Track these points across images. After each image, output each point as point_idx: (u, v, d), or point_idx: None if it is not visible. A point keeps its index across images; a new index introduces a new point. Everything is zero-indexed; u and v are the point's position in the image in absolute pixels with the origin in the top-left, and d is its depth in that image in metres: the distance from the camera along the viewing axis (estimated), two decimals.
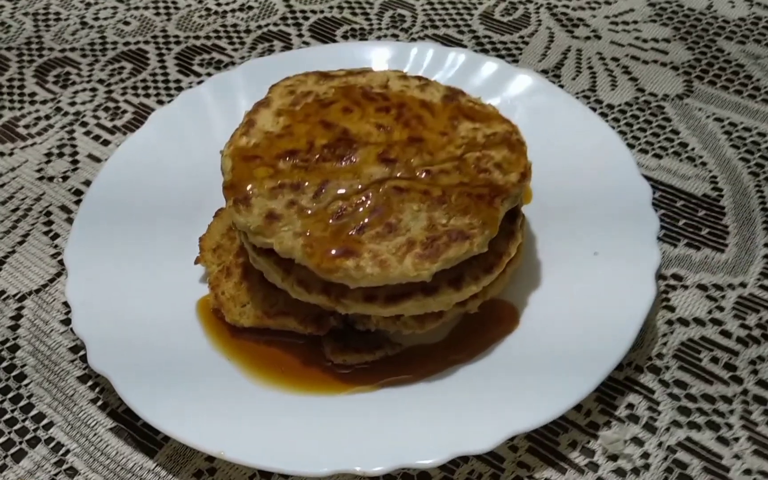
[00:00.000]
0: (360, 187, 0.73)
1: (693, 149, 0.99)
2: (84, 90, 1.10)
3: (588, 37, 1.17)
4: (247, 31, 1.21)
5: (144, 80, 1.12)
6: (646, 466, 0.70)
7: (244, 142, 0.79)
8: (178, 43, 1.18)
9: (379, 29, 1.21)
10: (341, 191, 0.73)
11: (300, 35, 1.20)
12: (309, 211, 0.72)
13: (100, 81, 1.12)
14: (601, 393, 0.75)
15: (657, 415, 0.74)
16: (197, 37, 1.19)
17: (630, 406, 0.75)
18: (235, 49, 1.17)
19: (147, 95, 1.10)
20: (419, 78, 0.87)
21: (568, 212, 0.87)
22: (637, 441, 0.72)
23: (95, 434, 0.74)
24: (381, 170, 0.74)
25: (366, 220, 0.71)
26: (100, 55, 1.16)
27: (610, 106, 1.06)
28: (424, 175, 0.75)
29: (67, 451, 0.73)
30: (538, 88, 1.00)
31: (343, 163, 0.75)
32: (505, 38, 1.18)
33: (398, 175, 0.74)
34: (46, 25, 1.22)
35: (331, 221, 0.71)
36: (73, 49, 1.18)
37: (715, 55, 1.13)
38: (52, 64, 1.15)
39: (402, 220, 0.71)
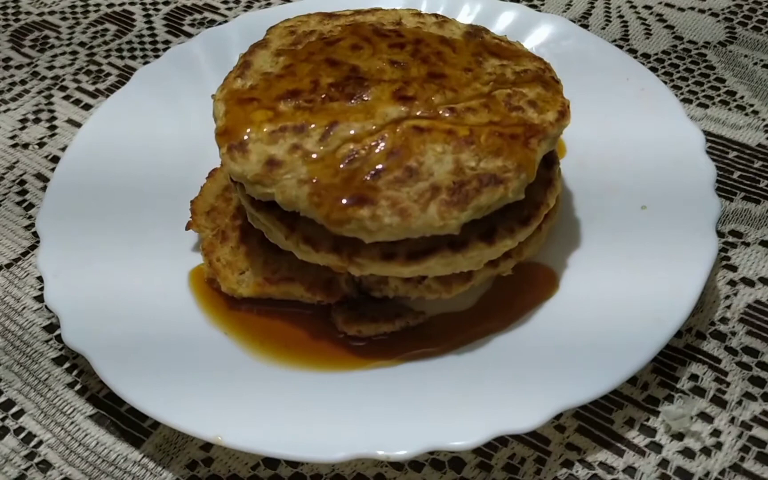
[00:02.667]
0: (374, 127, 0.63)
1: (742, 97, 0.89)
2: (63, 53, 1.00)
3: None
4: None
5: (130, 42, 1.02)
6: (718, 446, 0.60)
7: (239, 84, 0.68)
8: (167, 3, 1.08)
9: None
10: (352, 132, 0.62)
11: None
12: (315, 156, 0.61)
13: (82, 44, 1.02)
14: (659, 363, 0.65)
15: (726, 386, 0.63)
16: None
17: (694, 377, 0.64)
18: (230, 8, 1.07)
19: (133, 57, 0.99)
20: (436, 15, 0.77)
21: (609, 165, 0.77)
22: (706, 417, 0.62)
23: (72, 423, 0.64)
24: (397, 109, 0.64)
25: (382, 165, 0.61)
26: (81, 17, 1.06)
27: (646, 56, 0.96)
28: (447, 114, 0.64)
29: (40, 443, 0.63)
30: (566, 33, 0.90)
31: (354, 102, 0.65)
32: None
33: (418, 113, 0.64)
34: None
35: (341, 166, 0.61)
36: (52, 13, 1.07)
37: (758, 0, 1.03)
38: (29, 28, 1.05)
39: (424, 163, 0.61)
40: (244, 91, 0.67)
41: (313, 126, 0.63)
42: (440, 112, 0.64)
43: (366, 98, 0.65)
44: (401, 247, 0.62)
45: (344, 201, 0.59)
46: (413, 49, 0.70)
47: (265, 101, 0.66)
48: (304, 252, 0.63)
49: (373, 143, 0.62)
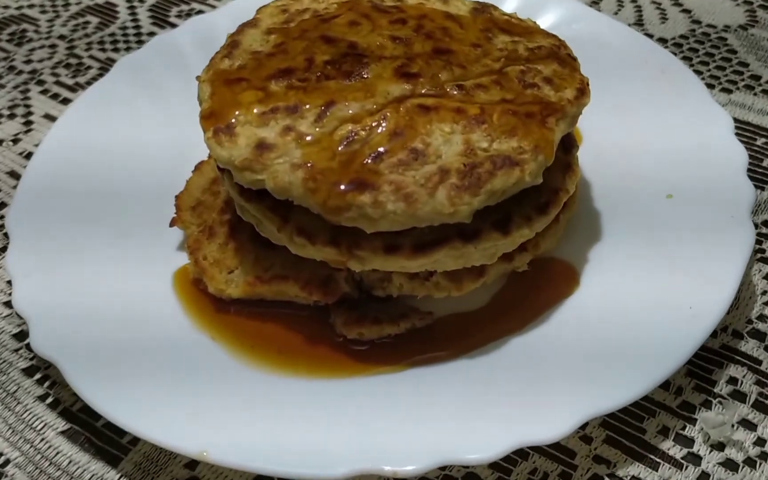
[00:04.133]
0: (374, 107, 0.57)
1: None
2: (42, 47, 0.94)
3: None
4: None
5: (112, 34, 0.96)
6: (764, 456, 0.54)
7: (227, 64, 0.62)
8: None
9: None
10: (351, 112, 0.56)
11: None
12: (310, 138, 0.55)
13: (61, 37, 0.96)
14: (693, 366, 0.59)
15: None
16: None
17: (732, 380, 0.58)
18: None
19: (116, 49, 0.94)
20: None
21: (629, 151, 0.71)
22: (748, 424, 0.55)
23: (42, 439, 0.58)
24: (400, 87, 0.58)
25: (384, 147, 0.55)
26: (62, 10, 1.00)
27: (663, 40, 0.90)
28: (455, 91, 0.58)
29: (7, 462, 0.57)
30: (578, 14, 0.85)
31: (352, 80, 0.59)
32: None
33: (423, 91, 0.58)
34: None
35: (339, 149, 0.55)
36: (31, 6, 1.02)
37: None
38: (6, 22, 0.99)
39: (430, 144, 0.55)
40: (232, 72, 0.61)
41: (307, 106, 0.57)
42: (447, 89, 0.58)
43: (365, 76, 0.59)
44: (406, 238, 0.55)
45: (343, 186, 0.53)
46: (416, 25, 0.64)
47: (254, 81, 0.60)
48: (298, 245, 0.57)
49: (374, 124, 0.56)
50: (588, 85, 0.62)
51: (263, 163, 0.55)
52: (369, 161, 0.54)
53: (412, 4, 0.68)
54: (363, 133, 0.55)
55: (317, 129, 0.56)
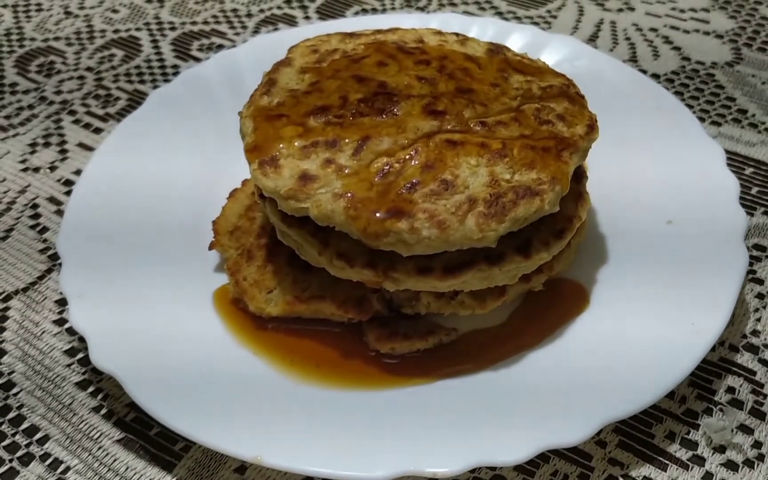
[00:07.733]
0: (406, 142, 0.62)
1: (753, 115, 0.90)
2: (71, 78, 0.99)
3: (620, 9, 1.08)
4: (249, 15, 1.10)
5: (138, 67, 1.01)
6: (761, 457, 0.59)
7: (266, 101, 0.68)
8: (173, 29, 1.08)
9: (393, 9, 1.11)
10: (385, 147, 0.62)
11: (307, 17, 1.09)
12: (348, 170, 0.61)
13: (89, 69, 1.01)
14: (695, 377, 0.65)
15: (763, 398, 0.63)
16: (194, 23, 1.09)
17: (730, 389, 0.64)
18: (237, 33, 1.07)
19: (142, 81, 0.98)
20: (456, 34, 0.77)
21: (631, 181, 0.77)
22: (746, 429, 0.61)
23: (100, 447, 0.62)
24: (429, 123, 0.64)
25: (417, 178, 0.60)
26: (87, 43, 1.05)
27: (656, 76, 0.96)
28: (479, 127, 0.64)
29: (67, 469, 0.61)
30: (578, 53, 0.91)
31: (384, 116, 0.64)
32: (531, 13, 1.09)
33: (449, 127, 0.64)
34: (26, 15, 1.11)
35: (376, 180, 0.60)
36: (57, 39, 1.06)
37: (760, 23, 1.05)
38: (34, 54, 1.04)
39: (459, 176, 0.60)
40: (272, 108, 0.67)
41: (345, 140, 0.63)
42: (471, 125, 0.64)
43: (396, 113, 0.65)
44: (437, 261, 0.61)
45: (381, 214, 0.58)
46: (439, 66, 0.70)
47: (294, 117, 0.65)
48: (338, 268, 0.62)
49: (406, 157, 0.61)
50: (596, 121, 0.68)
51: (307, 192, 0.60)
52: (404, 191, 0.59)
53: (432, 46, 0.74)
54: (397, 165, 0.61)
55: (355, 161, 0.61)
